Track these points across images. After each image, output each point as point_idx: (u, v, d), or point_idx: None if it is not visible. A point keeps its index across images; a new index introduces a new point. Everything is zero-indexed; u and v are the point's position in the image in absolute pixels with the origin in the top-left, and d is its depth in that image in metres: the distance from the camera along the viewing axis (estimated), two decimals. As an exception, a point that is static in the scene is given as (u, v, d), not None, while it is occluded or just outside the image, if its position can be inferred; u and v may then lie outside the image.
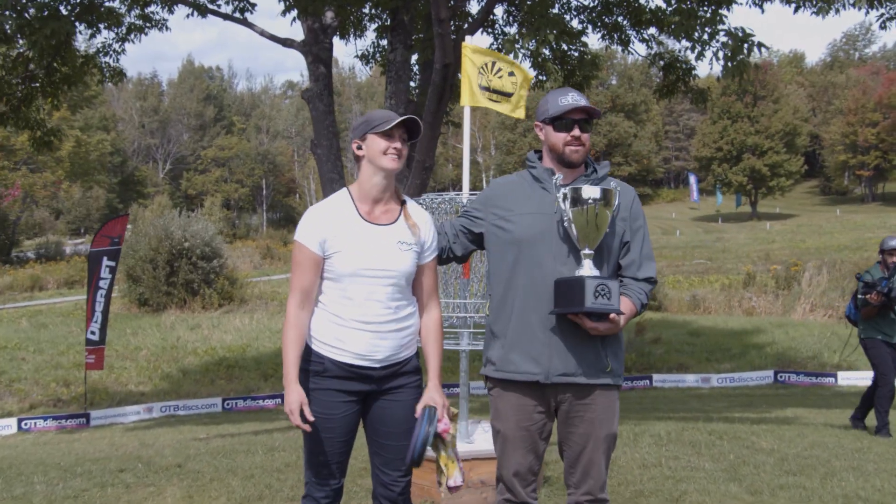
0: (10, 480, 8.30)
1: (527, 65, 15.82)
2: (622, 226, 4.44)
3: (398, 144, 4.43)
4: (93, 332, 20.51)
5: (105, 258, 20.55)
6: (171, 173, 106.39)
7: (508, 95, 6.72)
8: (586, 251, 4.32)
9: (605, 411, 4.40)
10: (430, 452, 4.51)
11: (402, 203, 4.61)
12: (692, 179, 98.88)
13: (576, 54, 18.41)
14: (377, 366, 4.44)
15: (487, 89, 6.67)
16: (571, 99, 4.41)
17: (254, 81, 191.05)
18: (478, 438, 6.69)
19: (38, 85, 17.20)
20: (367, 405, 4.54)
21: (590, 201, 4.24)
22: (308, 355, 4.45)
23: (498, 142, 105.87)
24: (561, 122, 4.41)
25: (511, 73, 6.70)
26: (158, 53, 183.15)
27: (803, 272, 34.01)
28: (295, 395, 4.31)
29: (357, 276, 4.37)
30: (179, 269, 35.66)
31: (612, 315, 4.25)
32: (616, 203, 4.37)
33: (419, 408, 4.53)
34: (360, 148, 4.49)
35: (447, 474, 4.59)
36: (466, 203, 6.43)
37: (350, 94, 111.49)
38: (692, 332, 28.05)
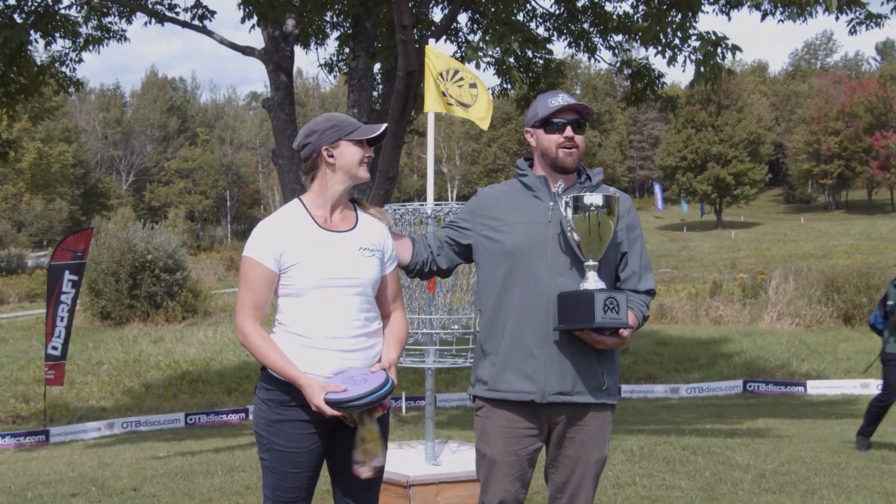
0: (-46, 508, 7.93)
1: (490, 72, 15.64)
2: (620, 235, 4.21)
3: (370, 153, 4.13)
4: (54, 348, 20.01)
5: (67, 272, 20.06)
6: (134, 185, 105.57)
7: (466, 106, 6.45)
8: (590, 262, 4.07)
9: (598, 433, 4.15)
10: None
11: (354, 205, 4.28)
12: (657, 188, 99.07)
13: (541, 62, 18.23)
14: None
15: (447, 95, 6.40)
16: (562, 99, 4.15)
17: (217, 93, 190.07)
18: (445, 460, 6.38)
19: (-8, 95, 16.83)
20: (334, 436, 4.11)
21: (592, 208, 3.99)
22: (269, 383, 4.01)
23: (463, 152, 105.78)
24: (552, 124, 4.15)
25: (473, 85, 6.42)
26: (122, 65, 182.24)
27: (770, 280, 33.95)
28: (315, 388, 3.84)
29: (322, 286, 3.95)
30: (142, 281, 35.22)
31: (621, 330, 4.00)
32: (617, 211, 4.13)
33: (375, 367, 4.08)
34: (331, 156, 4.08)
35: (373, 452, 4.09)
36: (431, 213, 6.18)
37: (314, 104, 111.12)
38: (659, 341, 27.92)
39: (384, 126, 4.13)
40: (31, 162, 60.13)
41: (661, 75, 17.26)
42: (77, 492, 8.15)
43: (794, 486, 7.55)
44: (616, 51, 17.62)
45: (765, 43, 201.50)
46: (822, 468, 8.56)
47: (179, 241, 39.69)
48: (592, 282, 4.01)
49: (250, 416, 16.93)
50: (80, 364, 27.47)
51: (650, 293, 4.27)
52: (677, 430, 12.33)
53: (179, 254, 36.88)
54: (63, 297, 19.91)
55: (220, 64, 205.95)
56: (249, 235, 4.10)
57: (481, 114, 6.42)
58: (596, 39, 17.73)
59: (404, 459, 6.48)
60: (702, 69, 12.11)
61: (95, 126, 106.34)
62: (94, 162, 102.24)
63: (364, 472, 4.06)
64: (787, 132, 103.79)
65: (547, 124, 4.18)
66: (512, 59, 16.35)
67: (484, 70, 19.31)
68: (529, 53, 18.05)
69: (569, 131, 4.14)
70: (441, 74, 6.41)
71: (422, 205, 6.29)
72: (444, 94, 6.44)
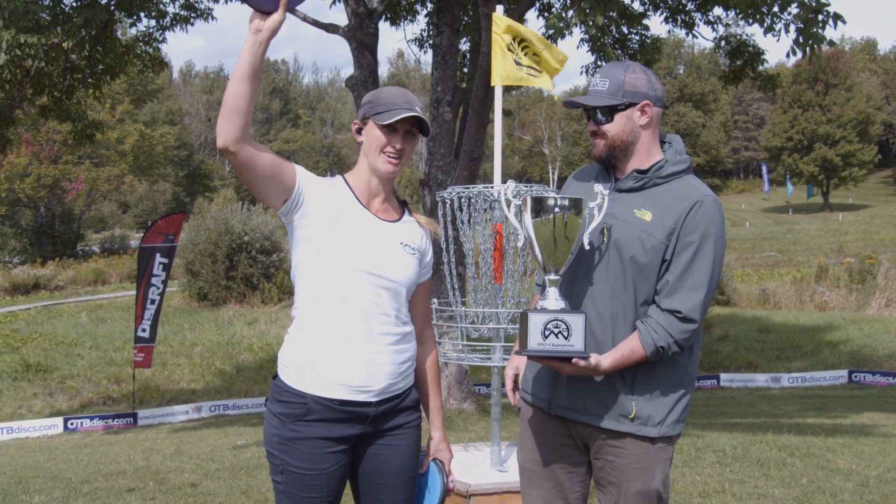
0: (8, 498, 7.66)
1: (584, 49, 15.02)
2: (664, 237, 3.44)
3: (399, 143, 3.54)
4: (143, 330, 20.07)
5: (158, 255, 20.02)
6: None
7: (537, 74, 5.91)
8: (552, 276, 3.48)
9: (640, 461, 3.51)
10: None
11: (404, 204, 3.78)
12: (763, 169, 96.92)
13: (637, 38, 17.55)
14: (374, 399, 3.48)
15: (519, 65, 5.87)
16: (591, 84, 3.62)
17: (320, 74, 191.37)
18: (511, 466, 5.84)
19: (79, 76, 16.76)
20: (358, 452, 3.58)
21: (556, 210, 3.41)
22: (282, 394, 3.48)
23: (564, 133, 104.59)
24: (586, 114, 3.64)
25: (533, 57, 5.89)
26: (228, 49, 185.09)
27: (879, 265, 32.69)
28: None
29: (355, 271, 3.43)
30: (239, 263, 35.38)
31: (576, 360, 3.33)
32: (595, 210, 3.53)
33: (426, 462, 3.71)
34: (359, 131, 3.63)
35: None
36: (498, 196, 5.65)
37: (416, 86, 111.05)
38: (762, 328, 27.04)
39: (407, 113, 3.49)
40: (134, 144, 60.86)
41: (760, 52, 16.46)
42: (134, 487, 7.86)
43: (901, 497, 6.90)
44: (715, 26, 16.84)
45: (874, 19, 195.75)
46: (932, 476, 7.84)
47: (277, 223, 39.77)
48: (551, 300, 3.43)
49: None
50: (173, 345, 27.65)
51: (678, 315, 3.42)
52: (775, 426, 11.59)
53: (276, 235, 36.91)
54: (154, 280, 19.88)
55: (324, 45, 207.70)
56: None
57: (548, 79, 5.90)
58: (695, 14, 16.98)
59: (468, 464, 5.97)
60: (800, 39, 11.29)
61: (199, 108, 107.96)
62: (197, 144, 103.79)
63: None
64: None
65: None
66: (607, 37, 15.74)
67: (578, 48, 18.71)
68: (625, 30, 17.42)
69: (591, 125, 3.61)
70: (510, 46, 5.89)
71: (487, 187, 5.78)
72: (516, 64, 5.92)
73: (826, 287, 32.72)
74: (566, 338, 3.29)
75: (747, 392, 20.72)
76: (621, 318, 3.45)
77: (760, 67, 16.89)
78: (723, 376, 21.76)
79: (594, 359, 3.34)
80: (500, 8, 6.07)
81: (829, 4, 11.20)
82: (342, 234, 3.47)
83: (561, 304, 3.40)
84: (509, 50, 5.86)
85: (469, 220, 5.85)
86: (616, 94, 3.51)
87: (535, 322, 3.30)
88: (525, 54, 5.89)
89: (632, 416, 3.46)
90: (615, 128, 3.53)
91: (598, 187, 3.53)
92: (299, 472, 3.43)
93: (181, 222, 21.65)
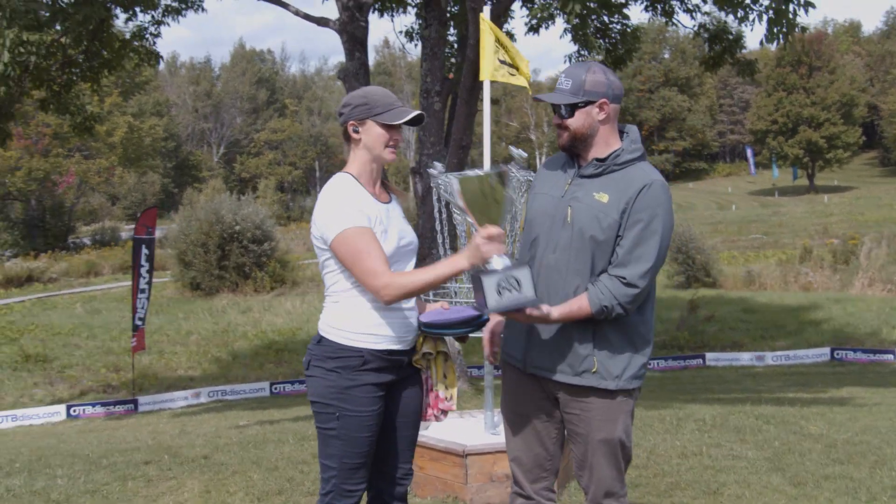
0: (34, 474, 8.14)
1: (567, 39, 15.43)
2: (617, 216, 3.93)
3: (399, 136, 4.20)
4: (140, 318, 20.74)
5: (143, 246, 20.79)
6: (225, 157, 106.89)
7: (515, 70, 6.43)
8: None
9: (603, 413, 4.02)
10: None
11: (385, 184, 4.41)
12: (749, 152, 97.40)
13: (618, 27, 17.98)
14: (408, 348, 4.16)
15: (504, 63, 6.37)
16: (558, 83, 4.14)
17: (308, 64, 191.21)
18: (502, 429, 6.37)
19: (77, 70, 17.16)
20: (388, 397, 4.19)
21: (483, 174, 3.97)
22: (337, 351, 4.04)
23: (550, 118, 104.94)
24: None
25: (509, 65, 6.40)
26: (215, 38, 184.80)
27: (861, 245, 33.25)
28: (478, 240, 3.81)
29: (396, 252, 4.06)
30: (231, 252, 35.76)
31: (530, 310, 3.81)
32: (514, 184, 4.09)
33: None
34: (356, 131, 4.18)
35: (449, 392, 4.32)
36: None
37: (401, 73, 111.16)
38: (747, 308, 27.54)
39: (415, 113, 4.11)
40: (123, 136, 61.14)
41: (738, 38, 16.88)
42: (150, 459, 8.34)
43: (864, 456, 7.38)
44: (693, 14, 17.27)
45: (858, 1, 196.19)
46: (896, 439, 8.36)
47: (268, 212, 40.14)
48: (496, 261, 3.81)
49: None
50: (169, 334, 28.08)
51: (623, 281, 3.88)
52: (754, 399, 12.13)
53: (267, 224, 37.29)
54: (142, 271, 20.65)
55: (311, 34, 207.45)
56: (323, 214, 4.06)
57: (523, 79, 6.42)
58: (673, 2, 17.41)
59: (464, 428, 6.50)
60: (774, 29, 11.78)
61: (186, 99, 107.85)
62: (185, 135, 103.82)
63: (451, 405, 4.34)
64: (882, 93, 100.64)
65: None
66: (588, 27, 16.15)
67: (561, 37, 19.12)
68: (606, 19, 17.83)
69: (556, 118, 4.11)
70: (497, 43, 6.39)
71: (477, 171, 6.26)
72: (503, 63, 6.42)
73: (810, 268, 33.25)
74: (518, 290, 3.75)
75: (732, 370, 21.21)
76: (583, 289, 3.94)
77: (741, 53, 17.32)
78: (708, 355, 22.25)
79: (545, 308, 3.85)
80: (487, 9, 6.56)
81: None
82: (382, 225, 4.07)
83: (506, 261, 3.83)
84: (496, 46, 6.36)
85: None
86: (577, 93, 4.02)
87: (489, 283, 3.76)
88: (505, 54, 6.40)
89: (594, 370, 3.95)
90: (576, 122, 4.04)
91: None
92: (355, 416, 4.01)
93: (155, 216, 22.44)
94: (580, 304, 3.89)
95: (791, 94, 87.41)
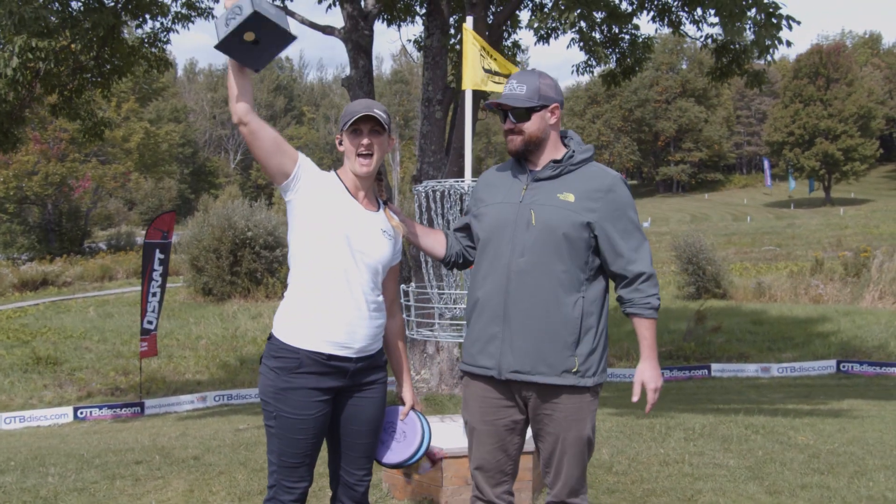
0: (27, 472, 8.28)
1: (575, 49, 15.52)
2: (588, 216, 4.14)
3: (365, 140, 4.25)
4: (149, 322, 20.82)
5: (157, 250, 20.83)
6: (241, 163, 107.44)
7: (504, 76, 6.53)
8: None
9: (574, 413, 4.18)
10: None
11: (385, 203, 4.51)
12: (766, 164, 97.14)
13: (627, 37, 18.06)
14: (353, 356, 4.20)
15: (490, 71, 6.47)
16: (506, 89, 4.30)
17: (325, 72, 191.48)
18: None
19: (88, 76, 17.33)
20: (337, 403, 4.30)
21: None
22: (278, 350, 4.18)
23: (566, 128, 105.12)
24: (500, 113, 4.31)
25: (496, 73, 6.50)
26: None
27: (873, 258, 33.13)
28: None
29: (344, 248, 4.17)
30: (243, 258, 35.87)
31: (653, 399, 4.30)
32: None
33: (405, 411, 4.52)
34: (340, 143, 4.34)
35: (417, 465, 4.59)
36: (468, 189, 6.26)
37: (418, 82, 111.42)
38: (755, 320, 27.48)
39: (359, 114, 4.21)
40: (139, 141, 61.45)
41: (746, 49, 16.89)
42: (141, 460, 8.48)
43: (845, 466, 7.45)
44: (700, 25, 17.32)
45: (878, 13, 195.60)
46: (880, 450, 8.38)
47: (280, 219, 40.28)
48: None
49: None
50: (179, 339, 28.21)
51: (645, 276, 4.18)
52: (747, 410, 12.17)
53: (279, 231, 37.40)
54: (154, 275, 20.64)
55: (329, 43, 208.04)
56: None
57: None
58: (680, 13, 17.46)
59: (443, 433, 6.58)
60: (765, 41, 11.86)
61: (204, 106, 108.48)
62: (202, 141, 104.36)
63: (412, 482, 4.56)
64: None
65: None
66: (595, 34, 16.24)
67: (568, 47, 19.22)
68: (615, 29, 17.90)
69: (508, 123, 4.25)
70: (481, 52, 6.49)
71: (458, 181, 6.36)
72: (488, 72, 6.51)
73: (821, 280, 33.15)
74: (240, 13, 3.85)
75: (737, 381, 21.18)
76: (560, 283, 4.11)
77: (749, 63, 17.34)
78: (714, 366, 22.19)
79: (651, 383, 4.26)
80: (470, 19, 6.66)
81: (781, 7, 11.80)
82: (334, 216, 4.19)
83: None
84: (481, 56, 6.46)
85: (442, 211, 6.45)
86: (533, 98, 4.21)
87: (219, 23, 3.93)
88: (493, 60, 6.49)
89: (574, 369, 4.11)
90: (532, 126, 4.23)
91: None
92: (290, 418, 4.14)
93: (172, 221, 22.42)
94: (646, 328, 4.24)
95: (808, 105, 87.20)
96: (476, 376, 4.32)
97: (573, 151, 4.29)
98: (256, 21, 3.81)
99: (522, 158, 4.31)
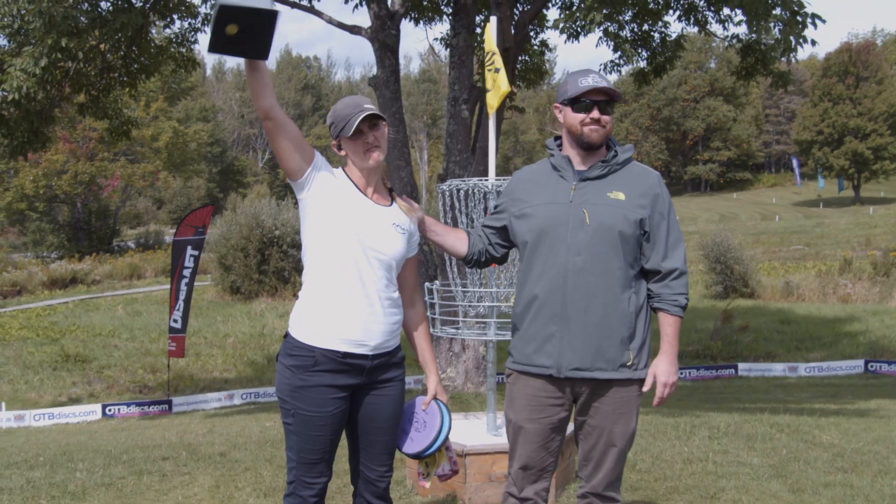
0: (55, 467, 8.39)
1: (604, 47, 15.55)
2: (642, 213, 4.25)
3: (370, 138, 4.29)
4: (175, 321, 20.85)
5: (189, 247, 20.79)
6: (269, 163, 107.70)
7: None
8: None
9: (622, 406, 4.28)
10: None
11: (390, 191, 4.52)
12: (795, 163, 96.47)
13: (658, 36, 18.06)
14: (369, 353, 4.24)
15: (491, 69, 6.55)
16: (592, 80, 4.25)
17: (352, 71, 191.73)
18: (504, 431, 6.49)
19: (115, 75, 17.46)
20: (355, 401, 4.35)
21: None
22: (294, 349, 4.23)
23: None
24: (580, 103, 4.26)
25: (497, 70, 6.54)
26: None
27: (902, 258, 32.97)
28: None
29: (356, 246, 4.21)
30: (270, 256, 35.98)
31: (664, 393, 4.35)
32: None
33: (426, 401, 4.53)
34: (340, 148, 4.41)
35: (437, 463, 4.56)
36: (492, 188, 6.30)
37: (446, 81, 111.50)
38: (783, 319, 27.38)
39: (365, 113, 4.22)
40: (168, 141, 61.77)
41: (772, 48, 16.85)
42: (168, 456, 8.56)
43: (869, 465, 7.43)
44: (725, 24, 17.30)
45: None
46: (906, 449, 8.36)
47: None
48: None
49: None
50: (207, 337, 28.37)
51: (677, 272, 4.28)
52: (773, 409, 12.15)
53: (307, 229, 37.45)
54: (184, 272, 20.62)
55: (357, 42, 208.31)
56: None
57: (492, 99, 6.57)
58: (707, 13, 17.45)
59: (467, 429, 6.63)
60: (791, 40, 11.81)
61: (232, 105, 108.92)
62: (230, 140, 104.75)
63: (427, 483, 4.61)
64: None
65: (575, 103, 4.28)
66: (612, 34, 16.25)
67: (597, 46, 19.22)
68: (647, 27, 17.89)
69: (595, 112, 4.25)
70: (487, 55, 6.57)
71: (482, 180, 6.40)
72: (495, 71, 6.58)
73: (849, 280, 32.98)
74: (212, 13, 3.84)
75: (764, 381, 21.12)
76: (616, 280, 4.19)
77: (775, 63, 17.30)
78: (741, 366, 22.13)
79: (663, 377, 4.29)
80: (493, 19, 6.70)
81: (805, 6, 11.75)
82: (346, 214, 4.24)
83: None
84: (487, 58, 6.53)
85: (466, 210, 6.50)
86: (618, 92, 4.28)
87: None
88: (488, 69, 6.55)
89: (629, 363, 4.22)
90: (610, 120, 4.31)
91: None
92: (307, 415, 4.20)
93: (209, 215, 22.34)
94: (670, 325, 4.31)
95: (837, 104, 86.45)
96: (528, 375, 4.36)
97: (616, 151, 4.37)
98: (229, 13, 3.76)
99: (582, 154, 4.35)
